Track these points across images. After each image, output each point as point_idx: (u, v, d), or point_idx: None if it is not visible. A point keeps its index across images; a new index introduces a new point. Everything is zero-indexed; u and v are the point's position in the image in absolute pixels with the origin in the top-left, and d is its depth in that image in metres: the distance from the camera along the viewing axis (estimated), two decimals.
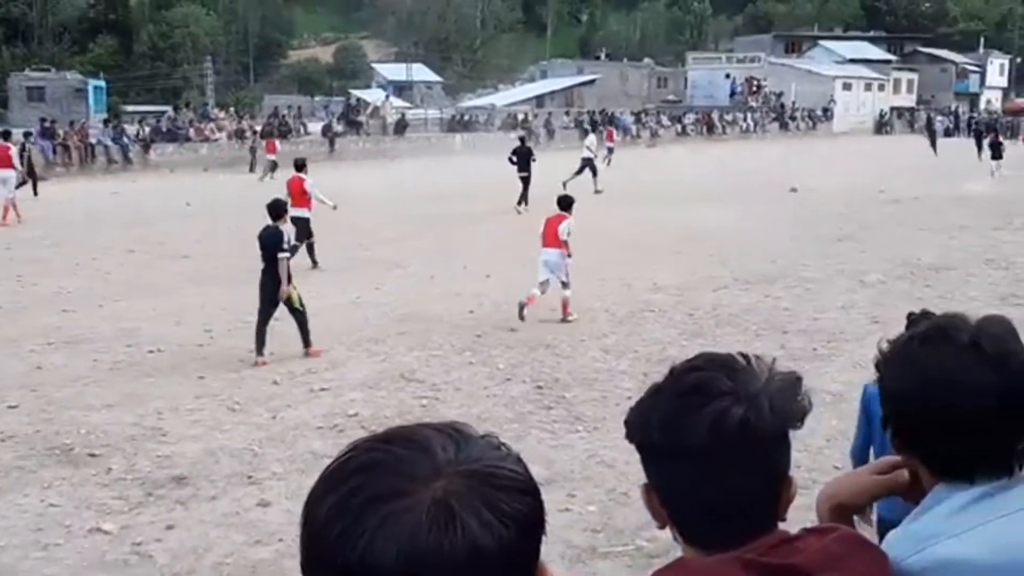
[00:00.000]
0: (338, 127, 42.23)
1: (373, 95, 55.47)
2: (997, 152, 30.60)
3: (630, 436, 1.38)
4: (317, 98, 63.69)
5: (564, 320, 11.04)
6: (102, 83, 46.77)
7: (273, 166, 29.30)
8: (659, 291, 12.65)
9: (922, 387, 1.43)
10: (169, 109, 44.05)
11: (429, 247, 16.51)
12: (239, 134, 38.13)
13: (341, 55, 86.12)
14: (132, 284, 13.19)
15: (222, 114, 42.17)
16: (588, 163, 25.95)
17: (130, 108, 49.70)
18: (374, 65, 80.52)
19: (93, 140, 32.86)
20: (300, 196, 14.96)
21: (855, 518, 1.59)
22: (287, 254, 9.81)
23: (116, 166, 32.20)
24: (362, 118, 45.53)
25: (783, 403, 1.29)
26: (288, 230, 10.33)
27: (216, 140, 37.06)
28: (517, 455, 0.98)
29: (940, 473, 1.45)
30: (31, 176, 24.69)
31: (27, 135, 27.68)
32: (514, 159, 22.85)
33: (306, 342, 9.68)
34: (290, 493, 6.12)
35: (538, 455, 6.70)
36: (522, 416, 7.70)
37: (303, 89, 73.03)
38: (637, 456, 1.38)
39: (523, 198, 22.12)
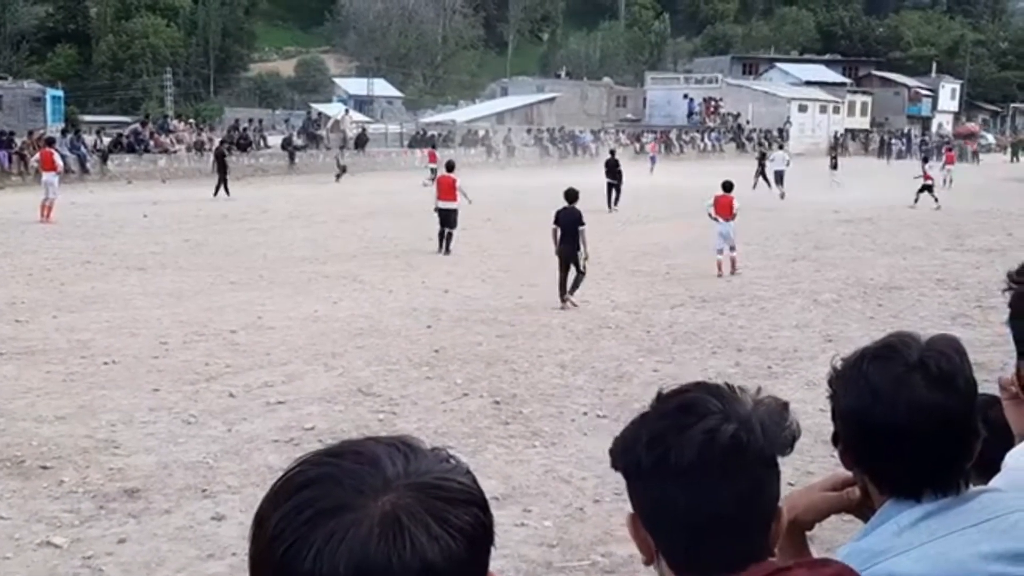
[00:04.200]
0: (298, 141, 42.04)
1: (334, 109, 55.33)
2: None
3: (616, 462, 1.34)
4: (278, 111, 63.46)
5: (733, 273, 15.25)
6: (60, 92, 46.27)
7: (433, 173, 32.59)
8: (616, 308, 12.73)
9: (870, 404, 1.45)
10: (131, 120, 43.61)
11: (387, 262, 16.49)
12: (199, 146, 37.82)
13: (302, 69, 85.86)
14: (87, 295, 13.04)
15: (182, 126, 41.81)
16: (780, 175, 31.01)
17: (88, 118, 49.19)
18: (335, 79, 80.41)
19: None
20: (450, 191, 17.69)
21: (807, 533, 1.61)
22: (585, 226, 12.77)
23: (73, 176, 31.77)
24: (322, 132, 45.37)
25: (773, 427, 1.28)
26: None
27: (175, 152, 36.73)
28: (466, 467, 0.97)
29: (888, 490, 1.47)
30: (222, 177, 28.29)
31: (222, 142, 32.71)
32: (606, 169, 27.35)
33: (572, 291, 12.60)
34: (245, 507, 6.07)
35: (495, 470, 6.72)
36: (479, 431, 7.71)
37: (264, 102, 72.75)
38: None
39: (613, 202, 26.20)
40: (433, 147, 40.67)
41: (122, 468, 6.74)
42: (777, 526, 1.31)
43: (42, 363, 9.49)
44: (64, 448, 7.10)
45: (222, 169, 28.87)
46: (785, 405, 1.33)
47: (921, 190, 28.58)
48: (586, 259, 12.79)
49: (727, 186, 16.16)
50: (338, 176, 36.26)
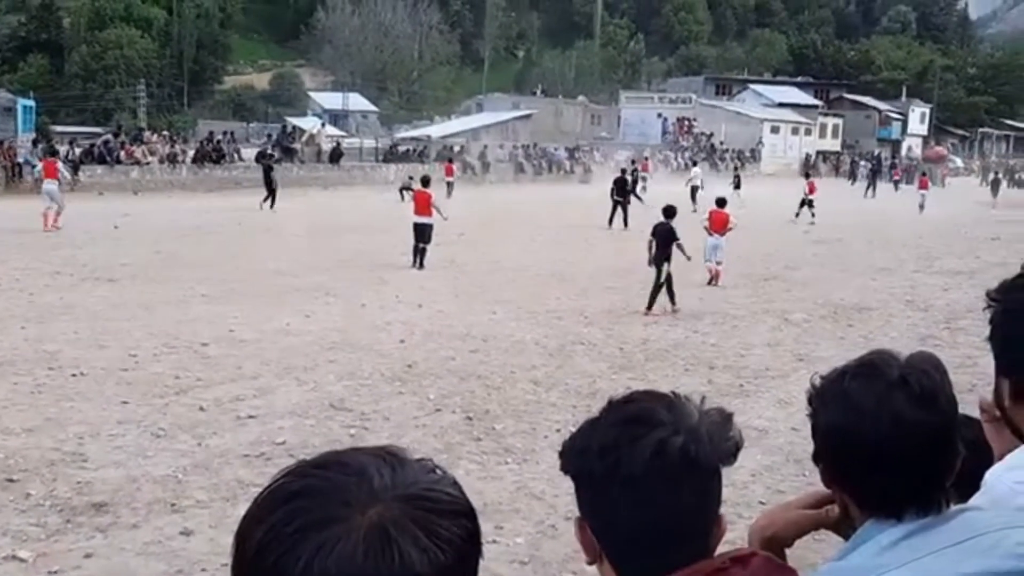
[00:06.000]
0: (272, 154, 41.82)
1: (308, 123, 55.20)
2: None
3: (566, 466, 1.38)
4: (252, 124, 63.20)
5: (715, 284, 16.14)
6: (31, 102, 45.80)
7: (449, 187, 35.54)
8: (590, 324, 12.76)
9: (852, 422, 1.45)
10: (103, 132, 43.25)
11: (361, 276, 16.45)
12: (171, 158, 37.60)
13: (277, 82, 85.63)
14: (55, 306, 12.90)
15: (155, 137, 41.54)
16: (695, 190, 33.17)
17: (60, 128, 48.77)
18: (310, 93, 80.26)
19: (20, 159, 32.17)
20: (425, 207, 17.97)
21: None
22: (680, 240, 13.99)
23: None
24: (297, 145, 45.22)
25: (718, 437, 1.31)
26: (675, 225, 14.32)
27: (148, 163, 36.49)
28: (453, 478, 0.97)
29: (869, 509, 1.47)
30: (270, 191, 29.32)
31: (268, 156, 34.45)
32: (614, 187, 27.71)
33: (672, 301, 13.81)
34: (214, 522, 6.03)
35: (467, 486, 6.52)
36: (451, 447, 7.69)
37: (238, 115, 72.41)
38: (566, 488, 1.39)
39: (612, 219, 26.36)
40: (450, 160, 42.22)
41: (90, 481, 6.67)
42: (718, 532, 1.36)
43: (9, 374, 9.38)
44: (31, 461, 7.02)
45: (269, 182, 29.78)
46: (729, 416, 1.36)
47: (802, 203, 30.59)
48: (669, 274, 13.92)
49: (720, 202, 17.22)
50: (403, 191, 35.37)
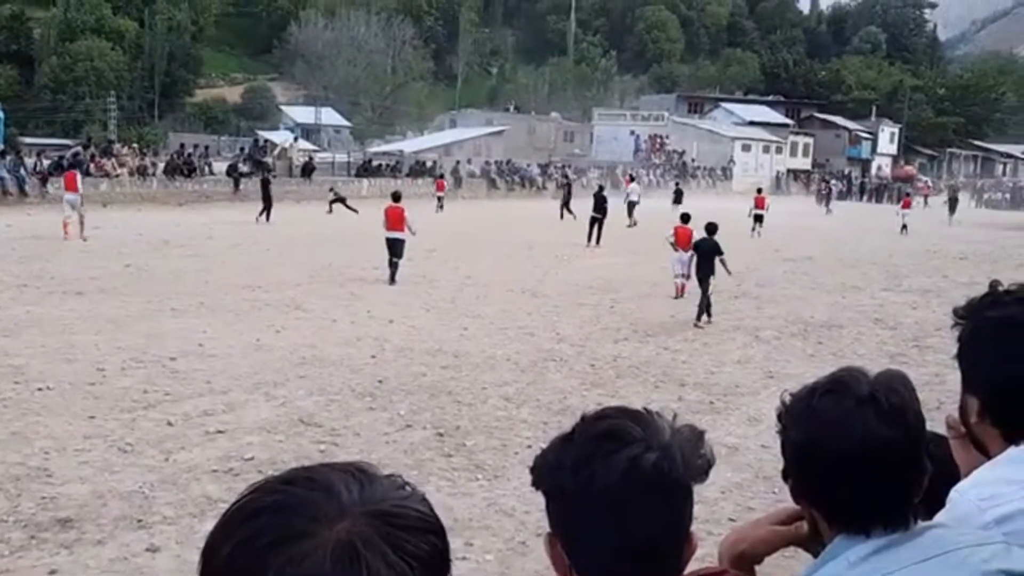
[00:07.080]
0: (243, 167, 41.66)
1: (280, 137, 55.05)
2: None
3: (538, 482, 1.38)
4: (224, 138, 62.93)
5: (678, 297, 16.25)
6: (0, 114, 45.40)
7: (439, 201, 38.26)
8: (561, 341, 12.77)
9: (821, 438, 1.46)
10: (72, 143, 42.88)
11: (332, 291, 16.38)
12: (141, 171, 37.32)
13: (249, 96, 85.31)
14: (22, 319, 12.75)
15: (125, 150, 41.21)
16: (632, 205, 34.87)
17: (29, 140, 48.34)
18: (282, 107, 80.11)
19: None
20: (397, 222, 17.88)
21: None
22: (724, 255, 14.67)
23: (12, 198, 31.21)
24: (268, 159, 45.04)
25: (691, 455, 1.32)
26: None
27: (118, 176, 36.19)
28: (422, 494, 0.97)
29: (838, 525, 1.48)
30: (267, 203, 30.29)
31: (268, 171, 36.04)
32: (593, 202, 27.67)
33: (709, 315, 14.36)
34: (181, 538, 5.96)
35: (437, 503, 6.51)
36: (422, 463, 7.66)
37: (209, 128, 72.09)
38: (536, 505, 1.39)
39: (590, 236, 26.38)
40: (441, 176, 43.91)
41: (55, 497, 6.58)
42: (688, 550, 1.36)
43: None
44: None
45: (267, 196, 30.67)
46: (701, 434, 1.37)
47: (756, 219, 31.68)
48: (713, 287, 14.61)
49: (685, 218, 17.51)
50: (333, 203, 35.64)
